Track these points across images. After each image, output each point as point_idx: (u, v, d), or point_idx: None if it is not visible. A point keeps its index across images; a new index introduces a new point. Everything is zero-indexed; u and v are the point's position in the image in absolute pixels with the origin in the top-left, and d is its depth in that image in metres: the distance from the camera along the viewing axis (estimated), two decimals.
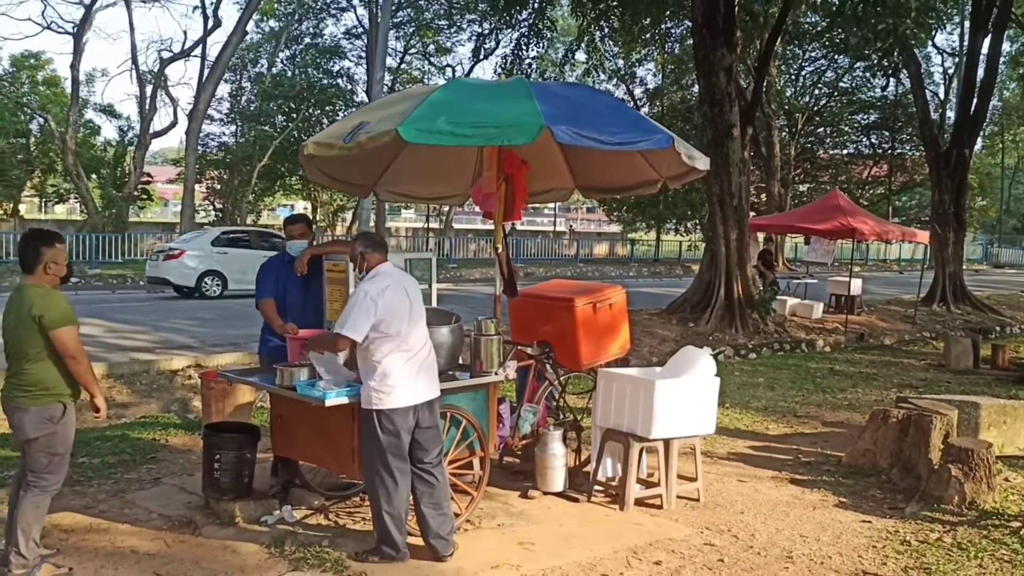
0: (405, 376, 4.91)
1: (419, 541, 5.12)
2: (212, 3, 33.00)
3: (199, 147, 29.35)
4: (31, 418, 4.60)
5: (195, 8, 62.12)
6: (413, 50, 41.38)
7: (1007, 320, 20.38)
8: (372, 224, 21.44)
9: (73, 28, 31.42)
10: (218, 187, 38.65)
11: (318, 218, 41.53)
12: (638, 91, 40.57)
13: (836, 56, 34.75)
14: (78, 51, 30.77)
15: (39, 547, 4.69)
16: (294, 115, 36.42)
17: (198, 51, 33.02)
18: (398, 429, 4.92)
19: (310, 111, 36.94)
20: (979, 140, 33.14)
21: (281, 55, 39.05)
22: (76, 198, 36.98)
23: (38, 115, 35.24)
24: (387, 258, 5.10)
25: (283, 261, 6.35)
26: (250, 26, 30.20)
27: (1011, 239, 59.28)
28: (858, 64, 34.73)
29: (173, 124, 37.50)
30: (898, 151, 41.70)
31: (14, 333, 4.63)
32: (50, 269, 4.64)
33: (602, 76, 34.43)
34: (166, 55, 34.97)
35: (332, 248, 6.39)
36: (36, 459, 4.66)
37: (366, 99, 30.81)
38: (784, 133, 37.84)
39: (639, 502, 6.22)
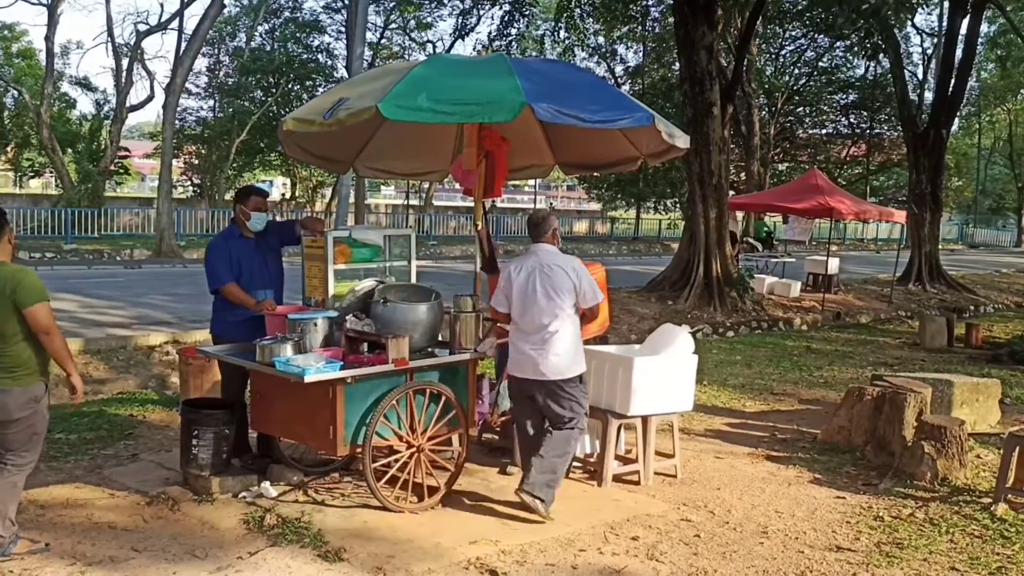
0: None
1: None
2: None
3: (176, 122, 28.86)
4: (15, 399, 4.52)
5: None
6: (393, 25, 40.98)
7: (981, 299, 20.63)
8: (352, 201, 21.25)
9: None
10: (196, 162, 38.24)
11: (297, 194, 41.19)
12: (619, 69, 40.52)
13: (816, 36, 34.78)
14: (53, 23, 30.27)
15: (15, 525, 4.66)
16: (273, 90, 36.02)
17: (175, 24, 32.52)
18: None
19: (289, 86, 36.54)
20: (956, 121, 33.29)
21: (260, 29, 38.51)
22: (51, 172, 36.43)
23: (12, 87, 34.68)
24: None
25: (232, 237, 6.17)
26: None
27: (986, 219, 59.81)
28: (838, 44, 34.84)
29: (150, 98, 37.08)
30: (876, 131, 41.84)
31: None
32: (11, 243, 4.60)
33: (582, 54, 34.35)
34: (143, 28, 34.47)
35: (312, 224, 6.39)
36: (16, 439, 4.60)
37: (346, 74, 30.48)
38: (764, 112, 37.86)
39: (617, 478, 6.27)
